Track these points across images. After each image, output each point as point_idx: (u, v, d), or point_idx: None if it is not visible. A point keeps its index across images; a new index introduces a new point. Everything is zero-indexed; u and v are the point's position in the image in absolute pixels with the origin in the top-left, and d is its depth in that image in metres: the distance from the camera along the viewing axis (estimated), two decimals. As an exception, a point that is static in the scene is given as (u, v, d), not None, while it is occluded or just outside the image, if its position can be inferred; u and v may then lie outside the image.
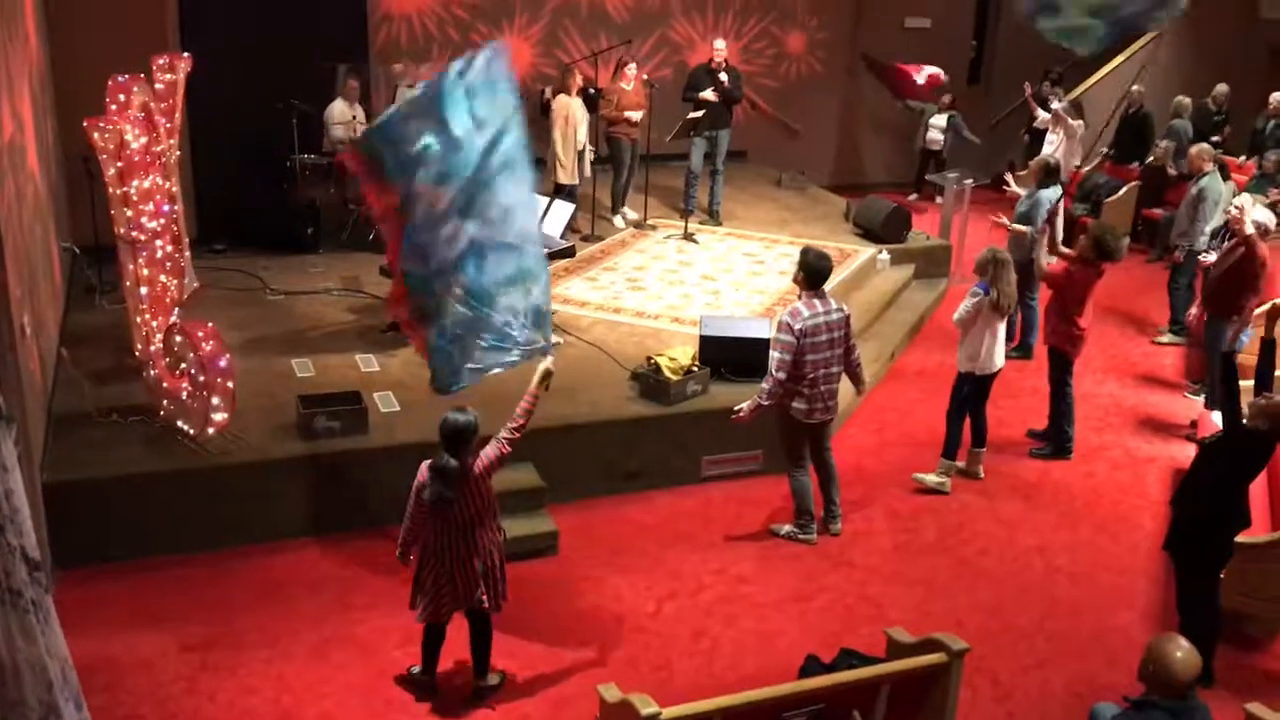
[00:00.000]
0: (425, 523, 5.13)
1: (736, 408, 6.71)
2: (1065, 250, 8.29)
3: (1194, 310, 8.95)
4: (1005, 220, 9.29)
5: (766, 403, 6.57)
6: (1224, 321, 8.21)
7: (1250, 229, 8.06)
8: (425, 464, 5.11)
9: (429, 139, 5.12)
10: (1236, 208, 8.26)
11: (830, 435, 7.05)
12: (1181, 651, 4.08)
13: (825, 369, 6.58)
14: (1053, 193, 9.12)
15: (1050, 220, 8.64)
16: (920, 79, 13.54)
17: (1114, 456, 8.20)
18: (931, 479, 7.57)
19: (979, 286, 7.26)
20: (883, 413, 8.68)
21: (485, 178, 5.20)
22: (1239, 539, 5.75)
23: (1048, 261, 8.37)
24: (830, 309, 6.58)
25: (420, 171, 5.14)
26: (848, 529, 7.06)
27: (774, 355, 6.51)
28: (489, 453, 5.18)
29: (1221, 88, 13.33)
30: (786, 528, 6.97)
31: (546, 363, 5.38)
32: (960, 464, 7.68)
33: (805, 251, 6.68)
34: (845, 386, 6.95)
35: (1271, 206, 10.16)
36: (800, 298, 6.61)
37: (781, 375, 6.48)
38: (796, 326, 6.44)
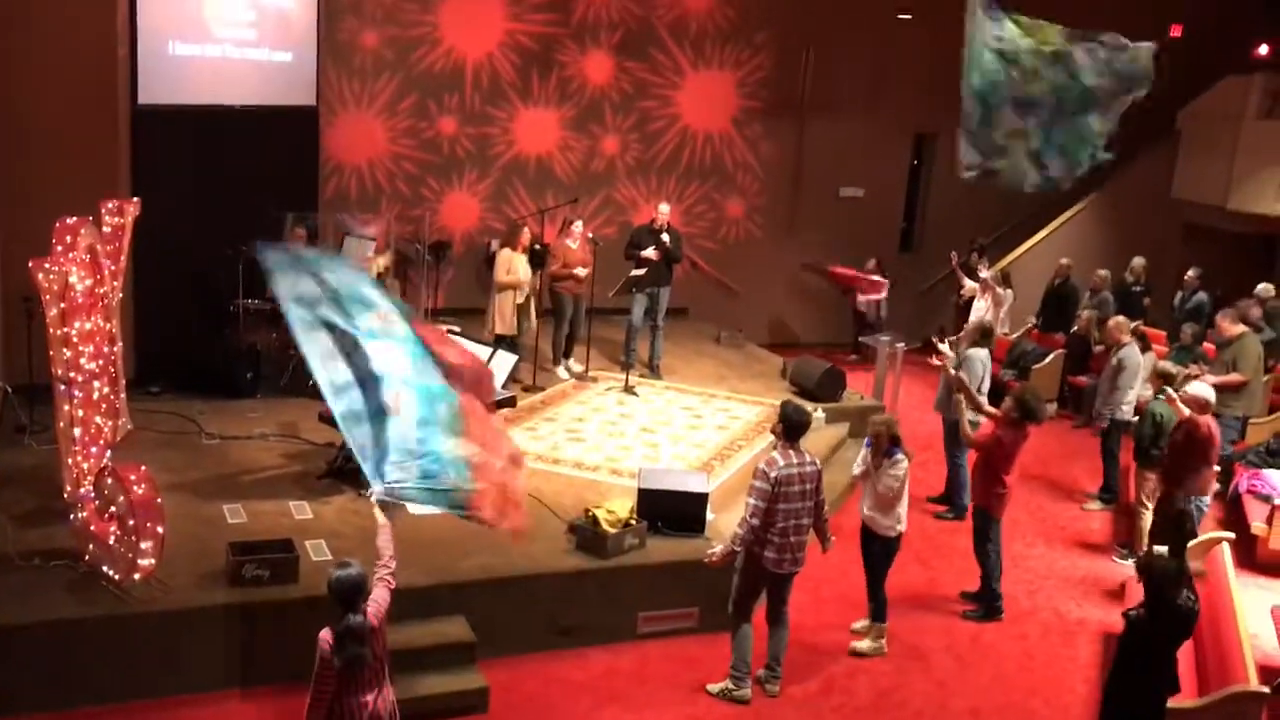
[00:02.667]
0: (335, 695, 4.87)
1: (709, 552, 6.80)
2: (989, 410, 8.49)
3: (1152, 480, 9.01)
4: (946, 353, 9.34)
5: (739, 548, 6.62)
6: (1184, 500, 8.22)
7: (1186, 411, 8.27)
8: (325, 632, 4.83)
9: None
10: (1172, 393, 8.45)
11: (790, 589, 7.04)
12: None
13: (796, 520, 6.68)
14: (984, 354, 9.40)
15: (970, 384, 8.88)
16: (841, 272, 14.26)
17: (1045, 619, 8.27)
18: (867, 645, 7.56)
19: (899, 453, 7.34)
20: (817, 570, 8.66)
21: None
22: (1170, 704, 5.80)
23: (971, 427, 8.51)
24: (805, 461, 6.73)
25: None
26: (783, 690, 7.00)
27: (749, 502, 6.60)
28: (382, 596, 5.00)
29: (1138, 260, 13.94)
30: (720, 686, 6.89)
31: (374, 493, 5.27)
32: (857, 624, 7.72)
33: (785, 404, 6.86)
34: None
35: (1193, 378, 10.58)
36: (777, 448, 6.74)
37: (756, 521, 6.56)
38: (773, 475, 6.56)
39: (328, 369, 5.39)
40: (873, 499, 7.40)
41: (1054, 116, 10.10)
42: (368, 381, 5.40)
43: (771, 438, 6.99)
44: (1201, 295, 13.06)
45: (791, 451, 6.70)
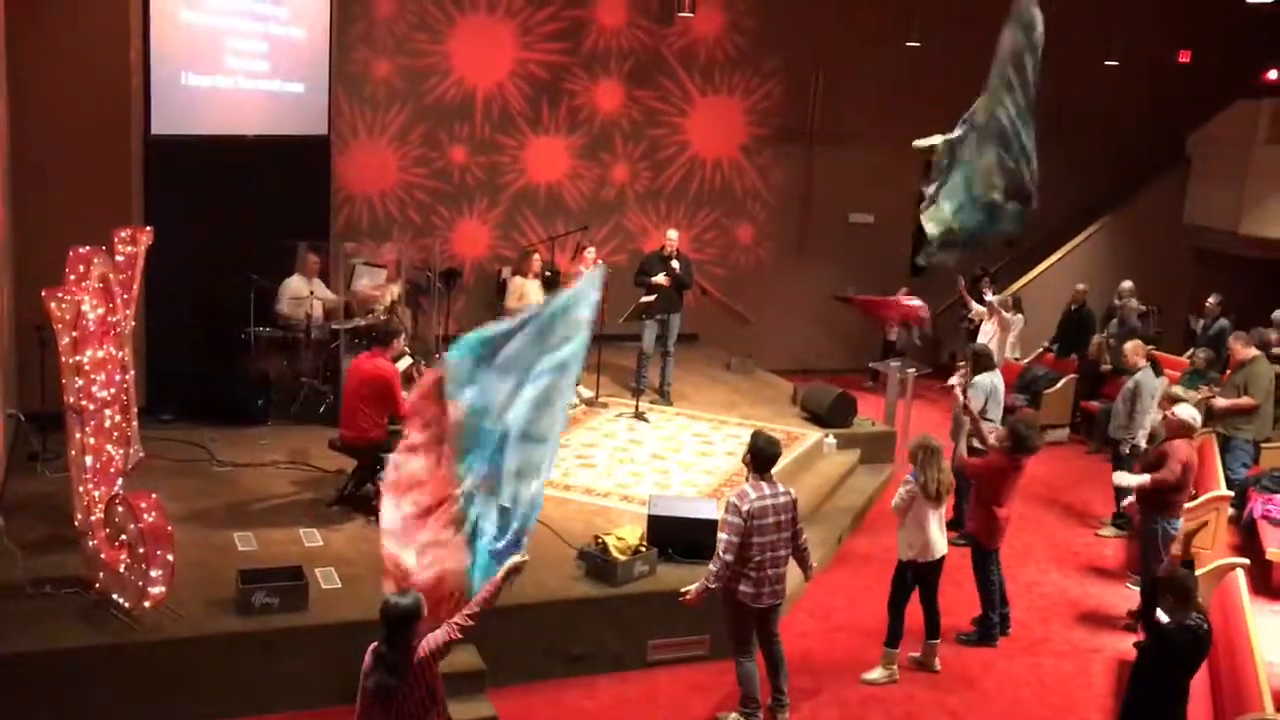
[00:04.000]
0: (368, 713, 4.83)
1: (684, 590, 6.65)
2: (990, 442, 8.44)
3: (1130, 499, 9.02)
4: (957, 384, 9.34)
5: (714, 585, 6.52)
6: (1159, 520, 8.18)
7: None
8: (371, 647, 4.86)
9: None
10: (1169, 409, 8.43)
11: (778, 620, 7.00)
12: None
13: (772, 552, 6.57)
14: (987, 380, 9.35)
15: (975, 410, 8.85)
16: (896, 301, 14.04)
17: (1058, 647, 8.20)
18: (878, 674, 7.49)
19: (911, 475, 7.34)
20: (830, 598, 8.65)
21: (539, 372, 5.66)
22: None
23: (963, 454, 8.47)
24: (778, 492, 6.62)
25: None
26: (794, 719, 6.95)
27: (721, 537, 6.51)
28: (437, 636, 4.89)
29: (1126, 284, 13.75)
30: (731, 716, 6.84)
31: (517, 557, 5.34)
32: (915, 655, 7.63)
33: (755, 435, 6.75)
34: (793, 570, 6.95)
35: (1204, 401, 10.53)
36: (748, 480, 6.67)
37: (729, 557, 6.45)
38: (744, 508, 6.47)
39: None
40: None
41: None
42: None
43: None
44: (1223, 321, 12.98)
45: (763, 483, 6.58)
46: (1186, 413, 8.24)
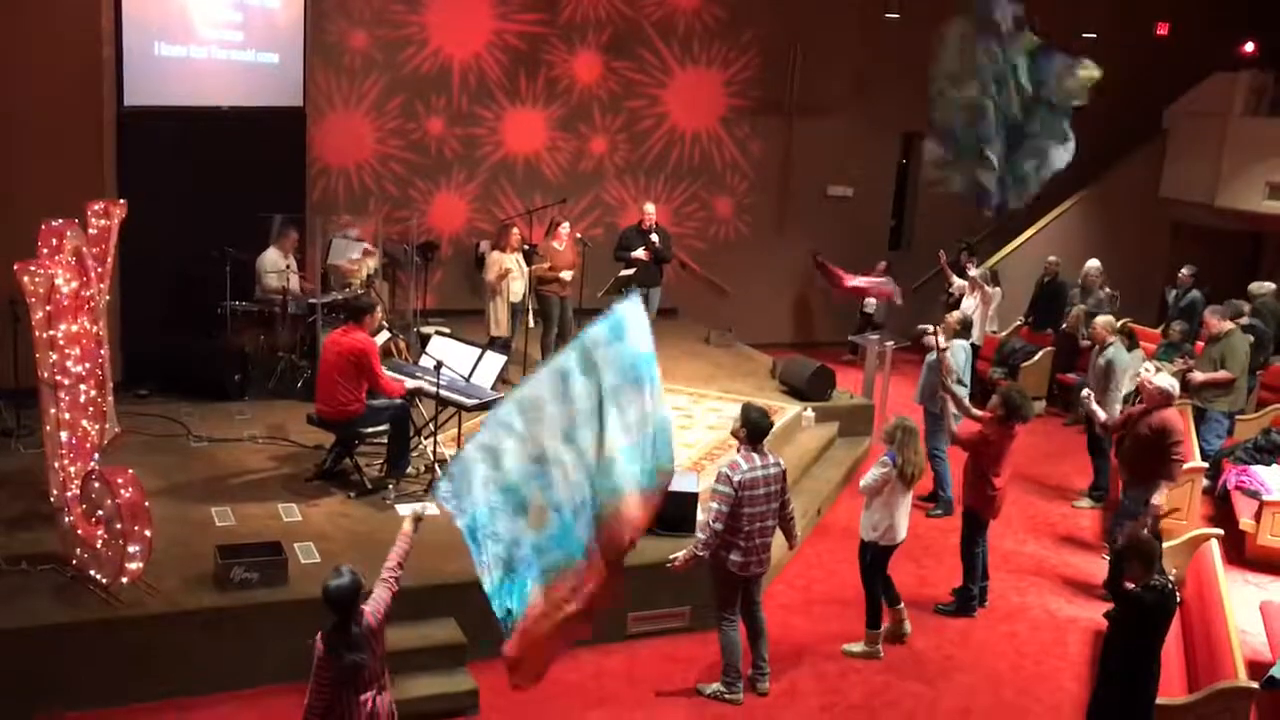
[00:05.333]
0: (336, 699, 4.84)
1: (671, 557, 6.73)
2: (976, 412, 8.47)
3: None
4: (938, 337, 9.31)
5: (702, 553, 6.57)
6: (1142, 488, 8.22)
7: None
8: (320, 636, 4.82)
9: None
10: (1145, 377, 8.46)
11: (761, 590, 7.03)
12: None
13: (761, 522, 6.63)
14: (965, 344, 9.38)
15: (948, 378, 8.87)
16: (851, 284, 14.12)
17: (1036, 617, 8.28)
18: (860, 648, 7.53)
19: (887, 456, 7.29)
20: (809, 569, 8.70)
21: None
22: (1160, 700, 5.81)
23: (957, 423, 8.51)
24: (768, 463, 6.67)
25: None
26: (774, 689, 7.00)
27: (712, 506, 6.55)
28: (383, 596, 5.00)
29: (1093, 263, 13.76)
30: (713, 687, 6.88)
31: (421, 508, 5.45)
32: (885, 625, 7.66)
33: (747, 408, 6.78)
34: (777, 540, 6.98)
35: (1181, 374, 10.59)
36: (739, 451, 6.69)
37: (719, 526, 6.51)
38: (735, 479, 6.51)
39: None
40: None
41: (1023, 136, 10.14)
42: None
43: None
44: (1195, 293, 13.07)
45: (755, 454, 6.63)
46: (1165, 380, 8.21)
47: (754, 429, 6.65)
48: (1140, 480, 8.21)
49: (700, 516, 7.95)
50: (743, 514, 6.53)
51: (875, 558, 7.45)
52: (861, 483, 7.42)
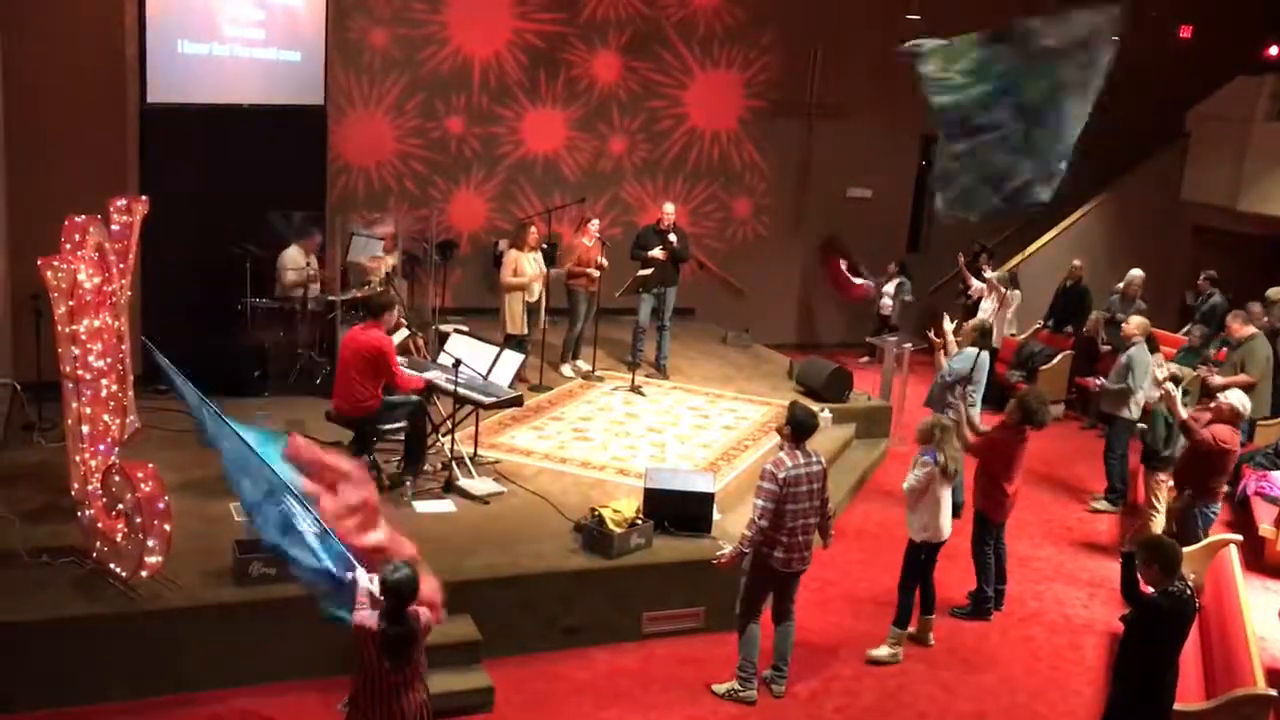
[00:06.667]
0: (376, 664, 4.91)
1: (718, 553, 6.82)
2: (980, 426, 8.46)
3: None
4: (948, 332, 9.26)
5: (747, 550, 6.63)
6: (1198, 504, 8.20)
7: (1183, 411, 8.22)
8: (372, 620, 4.88)
9: None
10: (1170, 389, 8.42)
11: (797, 588, 7.04)
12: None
13: (804, 519, 6.68)
14: (983, 355, 9.35)
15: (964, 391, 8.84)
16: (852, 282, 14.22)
17: (1051, 620, 8.25)
18: (884, 652, 7.50)
19: (927, 455, 7.27)
20: (824, 571, 8.68)
21: None
22: (1177, 707, 5.78)
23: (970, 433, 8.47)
24: (811, 461, 6.71)
25: None
26: (788, 690, 6.99)
27: (757, 504, 6.59)
28: (426, 615, 5.03)
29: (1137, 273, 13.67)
30: (727, 686, 6.89)
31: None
32: (911, 630, 7.64)
33: (794, 405, 6.83)
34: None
35: (1200, 379, 10.55)
36: (784, 449, 6.73)
37: (765, 523, 6.56)
38: (780, 476, 6.55)
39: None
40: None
41: (1015, 126, 9.98)
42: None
43: (778, 439, 6.96)
44: (1217, 298, 12.98)
45: (799, 452, 6.69)
46: (1238, 399, 8.22)
47: (799, 427, 6.69)
48: (1200, 492, 8.20)
49: (717, 516, 7.98)
50: (786, 510, 6.59)
51: (928, 556, 7.49)
52: (905, 485, 7.43)
